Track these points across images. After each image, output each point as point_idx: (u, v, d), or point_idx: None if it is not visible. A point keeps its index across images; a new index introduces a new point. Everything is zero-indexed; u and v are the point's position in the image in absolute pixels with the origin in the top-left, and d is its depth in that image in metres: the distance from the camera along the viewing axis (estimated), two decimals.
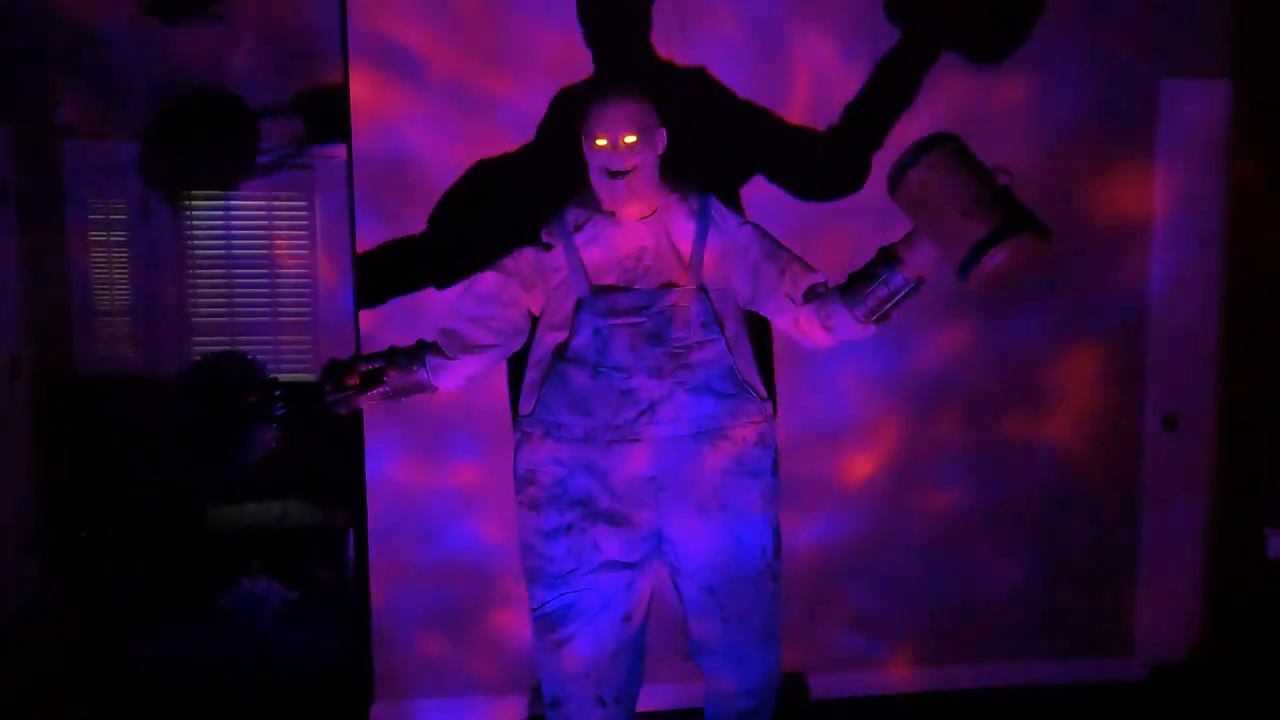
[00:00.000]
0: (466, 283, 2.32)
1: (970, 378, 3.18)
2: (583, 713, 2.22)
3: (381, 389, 2.22)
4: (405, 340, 2.31)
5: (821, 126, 3.01)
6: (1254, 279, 3.21)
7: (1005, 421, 3.21)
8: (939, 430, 3.19)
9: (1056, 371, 3.22)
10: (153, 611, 3.79)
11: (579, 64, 2.91)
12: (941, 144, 1.92)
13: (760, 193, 2.99)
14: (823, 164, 3.03)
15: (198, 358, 3.61)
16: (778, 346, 3.03)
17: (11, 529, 3.87)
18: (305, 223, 4.24)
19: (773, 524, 2.29)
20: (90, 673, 3.42)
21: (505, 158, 2.91)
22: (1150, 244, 3.22)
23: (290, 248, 4.27)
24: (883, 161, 2.96)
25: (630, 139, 2.11)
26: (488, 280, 2.27)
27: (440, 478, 3.01)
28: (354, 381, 2.21)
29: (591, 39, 2.90)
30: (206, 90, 3.95)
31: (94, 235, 4.22)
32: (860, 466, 3.17)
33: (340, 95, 2.93)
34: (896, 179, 1.94)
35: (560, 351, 2.20)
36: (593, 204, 2.24)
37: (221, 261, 4.26)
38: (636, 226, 2.21)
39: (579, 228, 2.23)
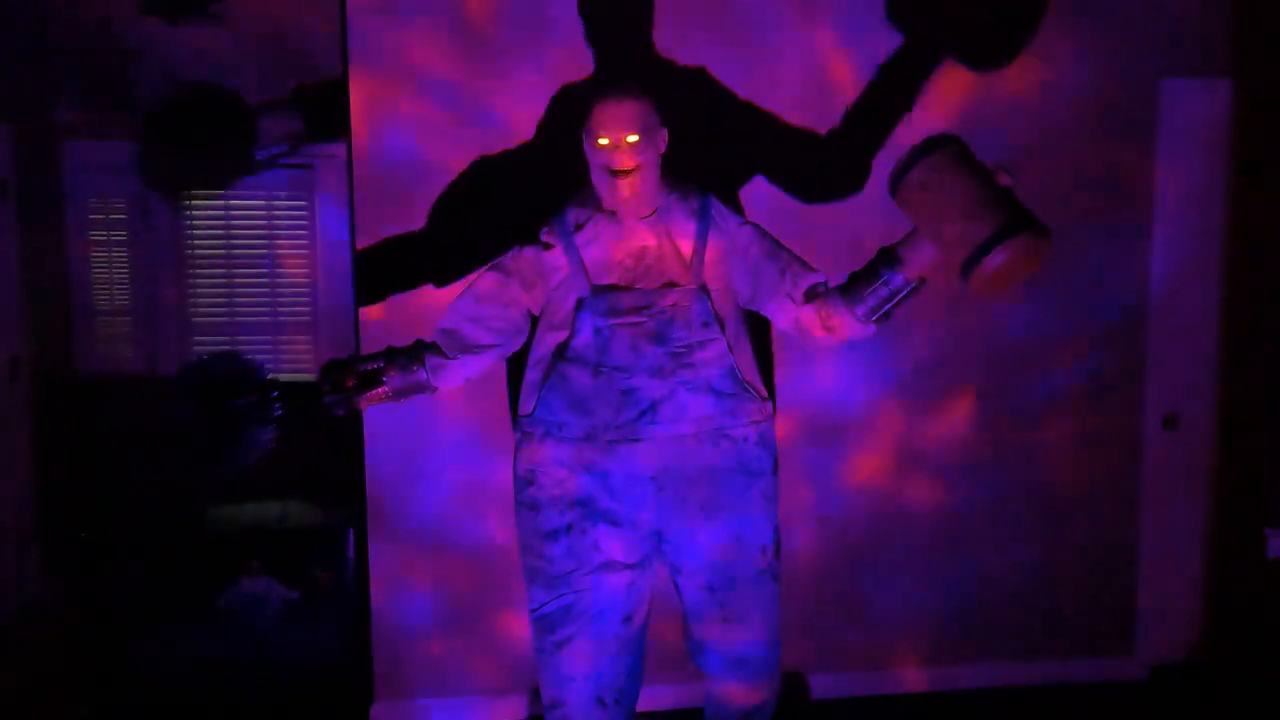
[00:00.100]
0: (468, 282, 2.32)
1: (970, 378, 3.18)
2: (582, 713, 2.21)
3: (380, 390, 2.22)
4: (406, 339, 2.31)
5: (821, 127, 3.01)
6: (1254, 279, 3.21)
7: (1005, 422, 3.21)
8: (939, 430, 3.18)
9: (1056, 371, 3.22)
10: (153, 611, 3.80)
11: (579, 62, 2.90)
12: (943, 145, 1.92)
13: (760, 193, 2.99)
14: (823, 165, 3.03)
15: (194, 358, 3.61)
16: (777, 346, 3.03)
17: (11, 529, 3.87)
18: (305, 223, 4.25)
19: (773, 523, 2.29)
20: (90, 673, 3.42)
21: (505, 155, 2.91)
22: (1150, 243, 3.22)
23: (290, 248, 4.27)
24: (883, 162, 2.97)
25: (633, 138, 2.11)
26: (487, 280, 2.27)
27: (440, 477, 3.01)
28: (352, 383, 2.21)
29: (592, 38, 2.90)
30: (205, 88, 3.95)
31: (94, 235, 4.22)
32: (860, 466, 3.17)
33: (339, 92, 2.93)
34: (898, 180, 1.95)
35: (561, 351, 2.20)
36: (593, 203, 2.24)
37: (221, 261, 4.26)
38: (638, 226, 2.21)
39: (579, 227, 2.23)
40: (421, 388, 2.25)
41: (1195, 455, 3.33)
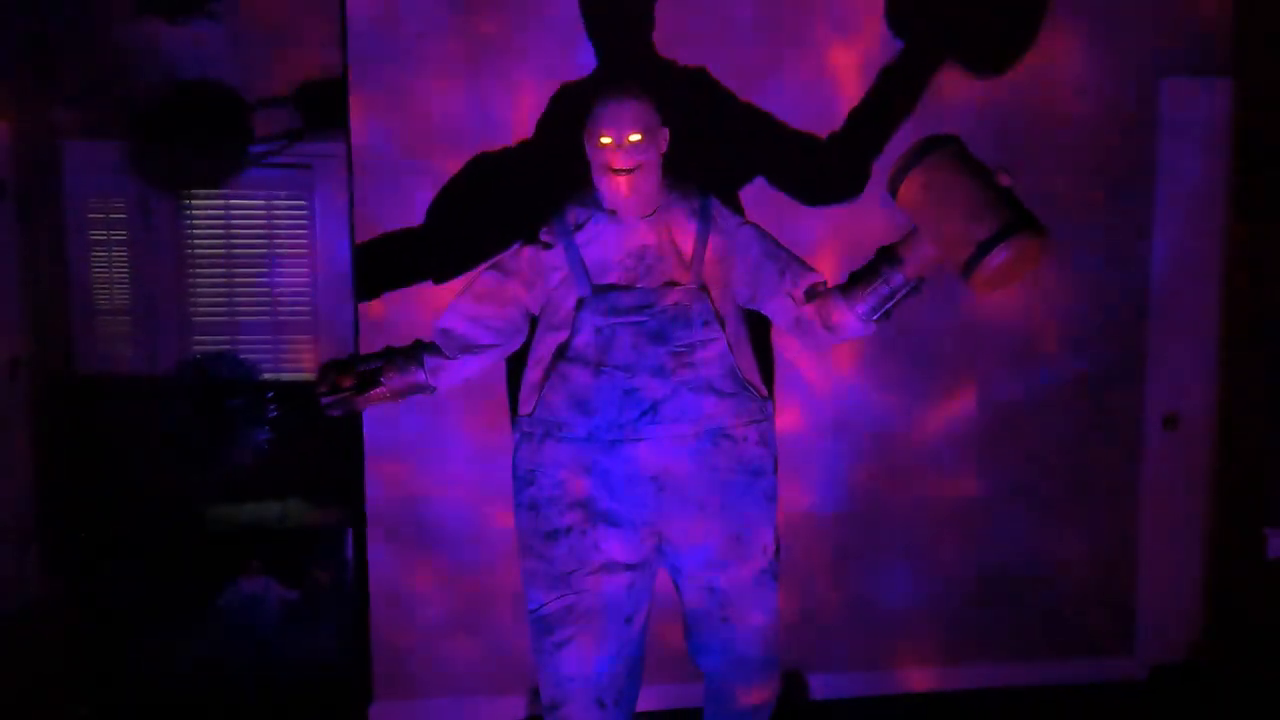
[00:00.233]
0: (467, 281, 2.31)
1: (969, 378, 3.18)
2: (582, 714, 2.21)
3: (378, 390, 2.21)
4: (406, 337, 2.30)
5: (821, 128, 3.01)
6: (1254, 278, 3.21)
7: (1004, 421, 3.21)
8: (939, 430, 3.18)
9: (1056, 371, 3.21)
10: (153, 611, 3.80)
11: (580, 61, 2.90)
12: (943, 145, 1.93)
13: (759, 195, 2.99)
14: (823, 166, 3.03)
15: (189, 359, 3.61)
16: (777, 342, 3.03)
17: (11, 529, 3.87)
18: (305, 222, 4.25)
19: (773, 523, 2.29)
20: (90, 673, 3.41)
21: (504, 153, 2.91)
22: (1150, 243, 3.22)
23: (289, 247, 4.27)
24: (882, 164, 2.97)
25: (635, 137, 2.11)
26: (487, 279, 2.27)
27: (439, 477, 3.00)
28: (350, 383, 2.20)
29: (592, 37, 2.90)
30: (200, 84, 3.95)
31: (94, 235, 4.22)
32: (860, 467, 3.17)
33: (338, 89, 2.93)
34: (898, 180, 1.95)
35: (561, 351, 2.19)
36: (592, 202, 2.23)
37: (221, 261, 4.26)
38: (638, 225, 2.21)
39: (579, 227, 2.22)
40: (420, 388, 2.24)
41: (1195, 455, 3.32)
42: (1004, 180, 1.90)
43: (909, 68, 3.00)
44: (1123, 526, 3.30)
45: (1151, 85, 3.16)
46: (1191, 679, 3.34)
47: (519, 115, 2.91)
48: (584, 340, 2.17)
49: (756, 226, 2.30)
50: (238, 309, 4.26)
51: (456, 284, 2.79)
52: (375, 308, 2.92)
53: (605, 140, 2.12)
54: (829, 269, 2.25)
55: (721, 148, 2.97)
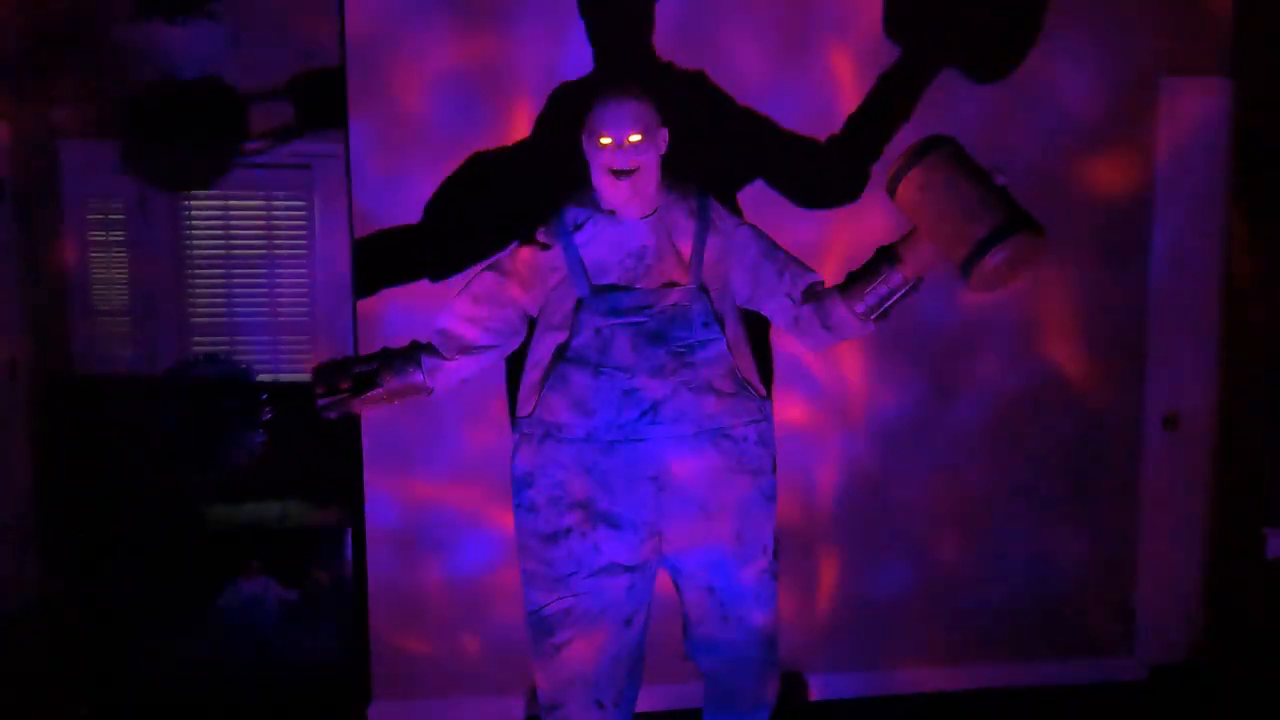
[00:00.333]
0: (465, 280, 2.31)
1: (969, 378, 3.18)
2: (581, 715, 2.21)
3: (375, 392, 2.20)
4: (405, 336, 2.30)
5: (820, 131, 3.00)
6: (1254, 279, 3.20)
7: (1004, 422, 3.21)
8: (938, 431, 3.18)
9: (1056, 371, 3.21)
10: (152, 611, 3.80)
11: (579, 60, 2.90)
12: (940, 146, 1.95)
13: (758, 196, 2.99)
14: (822, 169, 3.03)
15: (183, 361, 3.61)
16: (775, 340, 3.03)
17: (11, 529, 3.87)
18: (303, 223, 4.25)
19: (773, 523, 2.29)
20: (90, 673, 3.41)
21: (503, 151, 2.91)
22: (1150, 243, 3.21)
23: (288, 247, 4.27)
24: (881, 165, 2.97)
25: (635, 138, 2.11)
26: (485, 280, 2.26)
27: (438, 478, 3.00)
28: (347, 385, 2.19)
29: (592, 36, 2.90)
30: (201, 83, 3.94)
31: (92, 235, 4.22)
32: (859, 468, 3.17)
33: (336, 87, 2.93)
34: (896, 181, 1.97)
35: (561, 352, 2.19)
36: (590, 203, 2.23)
37: (220, 261, 4.26)
38: (638, 226, 2.21)
39: (578, 227, 2.22)
40: (417, 389, 2.24)
41: (1195, 455, 3.32)
42: (1000, 180, 1.92)
43: (909, 69, 3.00)
44: (1123, 526, 3.30)
45: (1151, 86, 3.15)
46: (1191, 679, 3.34)
47: (517, 114, 2.91)
48: (584, 341, 2.16)
49: (754, 227, 2.30)
50: (236, 309, 4.26)
51: (455, 283, 2.79)
52: (374, 307, 2.92)
53: (605, 141, 2.11)
54: (828, 271, 2.25)
55: (721, 149, 2.97)
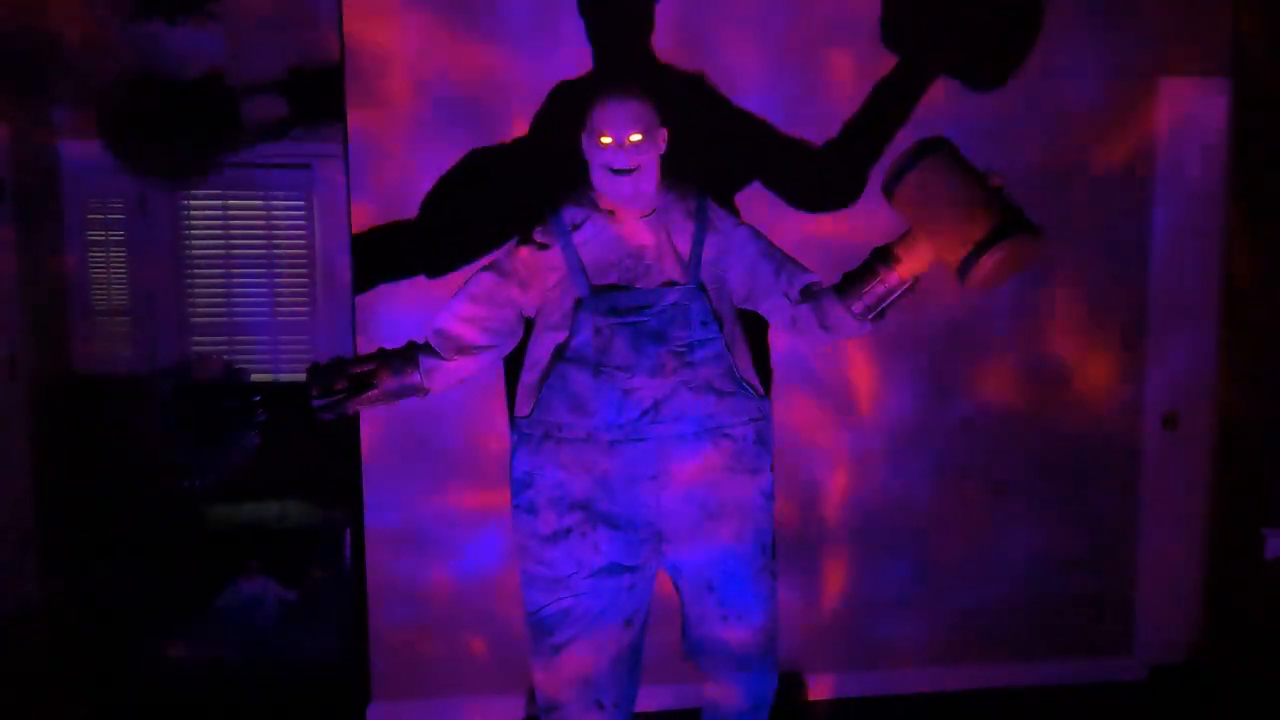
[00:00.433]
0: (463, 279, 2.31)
1: (969, 378, 3.18)
2: (580, 716, 2.20)
3: (372, 392, 2.19)
4: (404, 335, 2.30)
5: (818, 133, 3.00)
6: (1254, 278, 3.20)
7: (1004, 422, 3.21)
8: (937, 431, 3.18)
9: (1056, 372, 3.21)
10: (152, 611, 3.80)
11: (578, 59, 2.90)
12: (936, 148, 1.96)
13: (756, 198, 2.99)
14: (820, 171, 3.03)
15: (177, 362, 3.59)
16: (773, 339, 3.03)
17: (11, 528, 3.87)
18: (303, 222, 4.25)
19: (771, 522, 2.29)
20: (89, 673, 3.42)
21: (502, 150, 2.91)
22: (1150, 243, 3.21)
23: (288, 247, 4.27)
24: (879, 168, 2.97)
25: (635, 137, 2.11)
26: (483, 280, 2.26)
27: (437, 477, 3.00)
28: (343, 386, 2.19)
29: (592, 36, 2.90)
30: (200, 82, 3.94)
31: (92, 235, 4.22)
32: (859, 467, 3.17)
33: (334, 85, 2.92)
34: (893, 182, 1.98)
35: (560, 352, 2.19)
36: (588, 202, 2.23)
37: (219, 261, 4.26)
38: (637, 225, 2.21)
39: (577, 227, 2.22)
40: (415, 390, 2.23)
41: (1195, 455, 3.32)
42: (996, 181, 1.94)
43: (908, 71, 3.00)
44: (1122, 526, 3.30)
45: (1151, 86, 3.15)
46: (1191, 679, 3.34)
47: (516, 113, 2.91)
48: (583, 340, 2.16)
49: (752, 227, 2.30)
50: (236, 309, 4.26)
51: (454, 280, 2.78)
52: (374, 306, 2.92)
53: (606, 140, 2.11)
54: (825, 273, 2.25)
55: (719, 150, 2.97)
